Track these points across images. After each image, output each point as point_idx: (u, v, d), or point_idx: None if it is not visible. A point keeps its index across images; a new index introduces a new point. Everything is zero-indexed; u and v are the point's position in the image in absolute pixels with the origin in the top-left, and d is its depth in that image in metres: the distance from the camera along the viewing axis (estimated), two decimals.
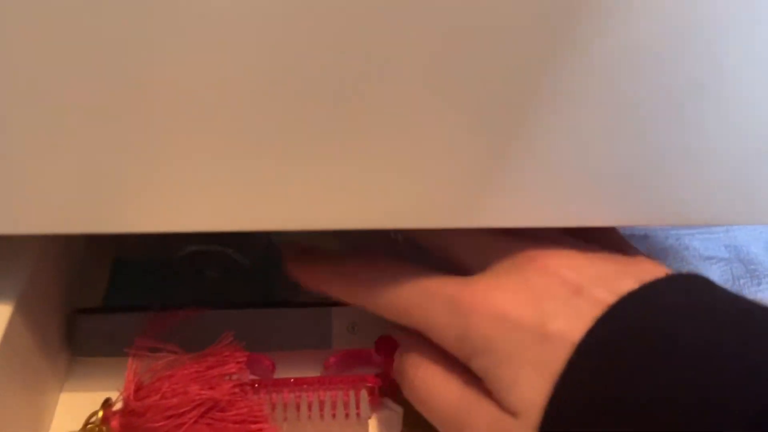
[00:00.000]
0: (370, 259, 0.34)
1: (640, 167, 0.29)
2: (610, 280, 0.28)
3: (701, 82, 0.27)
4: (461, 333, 0.29)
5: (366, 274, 0.33)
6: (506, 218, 0.30)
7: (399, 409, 0.37)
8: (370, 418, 0.36)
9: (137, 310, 0.36)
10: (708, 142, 0.28)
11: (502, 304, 0.28)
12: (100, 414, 0.33)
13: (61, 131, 0.26)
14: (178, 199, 0.28)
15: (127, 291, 0.40)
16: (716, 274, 0.40)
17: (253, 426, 0.33)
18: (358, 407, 0.36)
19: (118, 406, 0.34)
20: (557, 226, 0.30)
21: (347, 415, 0.35)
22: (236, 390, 0.33)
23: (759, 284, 0.40)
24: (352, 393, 0.36)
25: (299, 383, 0.36)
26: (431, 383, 0.31)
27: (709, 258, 0.41)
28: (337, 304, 0.38)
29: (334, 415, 0.35)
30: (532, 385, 0.26)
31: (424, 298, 0.31)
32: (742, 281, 0.40)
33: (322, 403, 0.35)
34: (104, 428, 0.33)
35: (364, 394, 0.36)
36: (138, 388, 0.33)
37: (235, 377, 0.33)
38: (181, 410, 0.32)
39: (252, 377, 0.36)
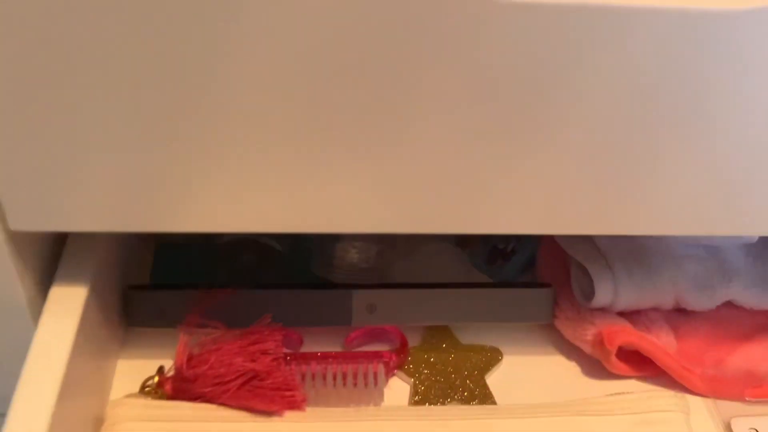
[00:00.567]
0: None
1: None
2: None
3: None
4: None
5: None
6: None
7: (410, 381, 0.42)
8: (385, 387, 0.41)
9: (184, 288, 0.41)
10: None
11: None
12: (156, 379, 0.39)
13: (125, 143, 0.30)
14: (226, 204, 0.33)
15: (171, 272, 0.45)
16: (692, 271, 0.45)
17: (287, 393, 0.38)
18: (375, 378, 0.41)
19: (170, 373, 0.39)
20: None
21: (366, 385, 0.41)
22: (273, 363, 0.38)
23: (730, 281, 0.45)
24: (370, 366, 0.41)
25: (324, 356, 0.41)
26: None
27: (688, 256, 0.46)
28: (357, 287, 0.43)
29: (355, 384, 0.41)
30: None
31: None
32: (715, 278, 0.45)
33: (344, 374, 0.41)
34: (159, 391, 0.39)
35: (380, 367, 0.41)
36: (189, 359, 0.38)
37: (272, 352, 0.39)
38: (227, 379, 0.37)
39: (285, 351, 0.41)
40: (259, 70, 0.29)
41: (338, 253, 0.46)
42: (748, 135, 0.33)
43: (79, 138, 0.30)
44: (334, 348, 0.43)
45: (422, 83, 0.30)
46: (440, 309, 0.44)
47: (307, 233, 0.35)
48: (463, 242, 0.51)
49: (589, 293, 0.44)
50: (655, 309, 0.45)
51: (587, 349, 0.44)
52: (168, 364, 0.39)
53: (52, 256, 0.36)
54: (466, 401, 0.41)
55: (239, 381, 0.37)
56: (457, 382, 0.42)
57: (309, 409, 0.39)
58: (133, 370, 0.40)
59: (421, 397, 0.41)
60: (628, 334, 0.43)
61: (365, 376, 0.41)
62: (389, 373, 0.42)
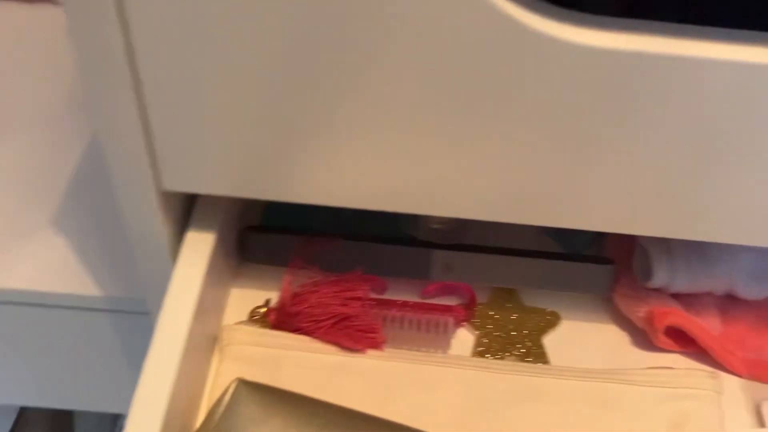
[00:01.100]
0: None
1: None
2: None
3: None
4: None
5: None
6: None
7: (475, 333, 0.49)
8: (453, 337, 0.48)
9: (292, 233, 0.48)
10: None
11: None
12: (263, 310, 0.46)
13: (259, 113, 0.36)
14: (334, 181, 0.39)
15: (280, 217, 0.52)
16: (748, 263, 0.48)
17: (370, 334, 0.45)
18: (445, 328, 0.47)
19: (274, 305, 0.46)
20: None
21: (437, 333, 0.47)
22: (361, 308, 0.45)
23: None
24: (441, 317, 0.47)
25: (404, 304, 0.48)
26: None
27: (745, 249, 0.49)
28: (437, 246, 0.49)
29: (427, 331, 0.47)
30: None
31: None
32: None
33: (419, 322, 0.47)
34: (264, 320, 0.46)
35: (450, 319, 0.47)
36: (292, 296, 0.45)
37: (361, 299, 0.45)
38: (322, 318, 0.44)
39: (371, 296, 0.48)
40: (406, 66, 0.33)
41: (424, 215, 0.51)
42: None
43: (226, 115, 0.36)
44: (413, 297, 0.49)
45: (526, 96, 0.34)
46: (508, 273, 0.49)
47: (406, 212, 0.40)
48: None
49: (648, 274, 0.48)
50: (707, 293, 0.49)
51: (639, 323, 0.49)
52: (273, 298, 0.47)
53: (187, 208, 0.44)
54: (522, 357, 0.47)
55: (332, 321, 0.45)
56: (517, 340, 0.48)
57: (387, 350, 0.46)
58: (243, 299, 0.48)
59: (484, 348, 0.48)
60: (676, 316, 0.47)
61: (437, 325, 0.47)
62: (457, 325, 0.48)
